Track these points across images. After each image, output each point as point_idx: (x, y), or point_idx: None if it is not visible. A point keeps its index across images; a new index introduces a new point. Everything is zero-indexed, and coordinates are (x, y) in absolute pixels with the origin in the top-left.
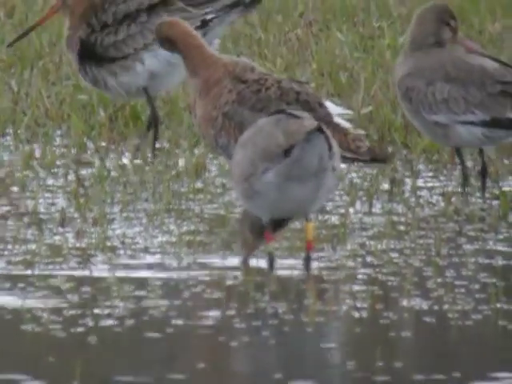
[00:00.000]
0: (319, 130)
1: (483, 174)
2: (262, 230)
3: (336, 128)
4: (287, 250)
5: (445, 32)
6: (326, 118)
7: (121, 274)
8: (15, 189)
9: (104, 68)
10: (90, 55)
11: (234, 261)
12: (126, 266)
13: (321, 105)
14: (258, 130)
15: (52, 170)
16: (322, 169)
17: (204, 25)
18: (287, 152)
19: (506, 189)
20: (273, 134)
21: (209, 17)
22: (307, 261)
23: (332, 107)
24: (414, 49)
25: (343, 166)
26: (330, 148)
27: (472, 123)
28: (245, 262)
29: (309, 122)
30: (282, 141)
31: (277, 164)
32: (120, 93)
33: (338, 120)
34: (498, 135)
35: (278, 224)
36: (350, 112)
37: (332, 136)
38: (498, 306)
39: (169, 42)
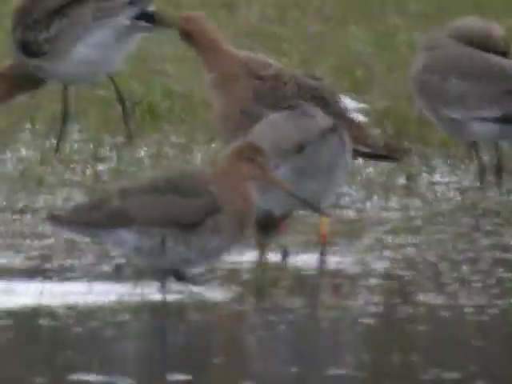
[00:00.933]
0: (333, 129)
1: (499, 168)
2: (267, 227)
3: (352, 123)
4: (303, 245)
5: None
6: (341, 113)
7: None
8: (32, 184)
9: (41, 60)
10: (31, 53)
11: (251, 255)
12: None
13: (337, 100)
14: (270, 124)
15: (70, 165)
16: (334, 165)
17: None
18: (299, 149)
19: None
20: (285, 130)
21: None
22: (322, 254)
23: (348, 101)
24: (429, 46)
25: (360, 160)
26: (344, 146)
27: (486, 119)
28: (260, 261)
29: (323, 120)
30: (294, 137)
31: (288, 160)
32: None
33: (353, 115)
34: (510, 131)
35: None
36: (366, 106)
37: (347, 132)
38: None
39: (187, 35)
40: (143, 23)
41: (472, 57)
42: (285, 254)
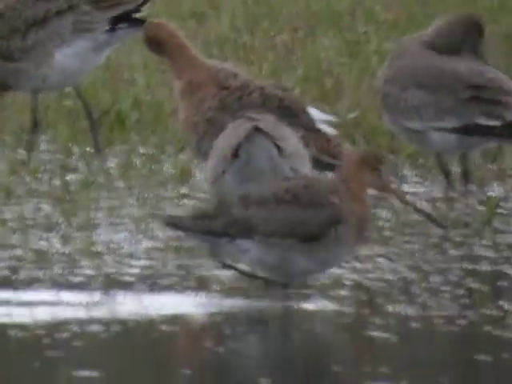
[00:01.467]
0: (258, 130)
1: (466, 178)
2: None
3: (318, 134)
4: None
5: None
6: (308, 125)
7: (106, 279)
8: (0, 195)
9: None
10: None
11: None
12: (112, 272)
13: (304, 111)
14: (222, 134)
15: (37, 176)
16: (276, 169)
17: (112, 29)
18: (235, 153)
19: (491, 194)
20: (227, 137)
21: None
22: None
23: (316, 113)
24: (395, 55)
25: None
26: (279, 148)
27: (444, 130)
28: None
29: (251, 123)
30: (231, 143)
31: (229, 166)
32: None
33: (320, 126)
34: (472, 142)
35: None
36: (333, 118)
37: (314, 141)
38: (484, 311)
39: (155, 43)
40: (126, 28)
41: (429, 66)
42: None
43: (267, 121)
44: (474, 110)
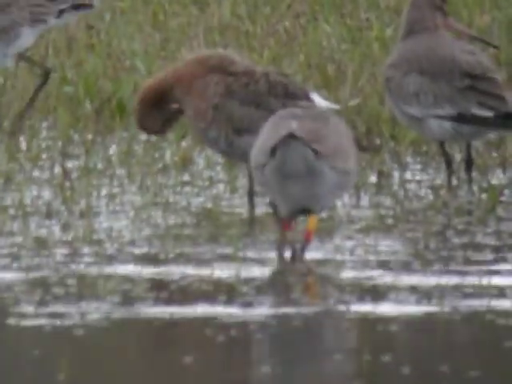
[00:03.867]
0: (292, 136)
1: (469, 166)
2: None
3: None
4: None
5: (437, 17)
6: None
7: (107, 267)
8: (0, 182)
9: None
10: None
11: (223, 252)
12: (113, 259)
13: (307, 97)
14: (269, 123)
15: (38, 163)
16: (311, 169)
17: (59, 15)
18: (272, 152)
19: (494, 182)
20: (269, 132)
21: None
22: (302, 251)
23: (319, 100)
24: (404, 36)
25: None
26: (315, 151)
27: (442, 117)
28: (278, 250)
29: (289, 124)
30: (270, 141)
31: (268, 162)
32: None
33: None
34: (467, 130)
35: (296, 214)
36: (336, 106)
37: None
38: (487, 300)
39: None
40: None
41: (431, 52)
42: (292, 250)
43: (309, 117)
44: (471, 99)
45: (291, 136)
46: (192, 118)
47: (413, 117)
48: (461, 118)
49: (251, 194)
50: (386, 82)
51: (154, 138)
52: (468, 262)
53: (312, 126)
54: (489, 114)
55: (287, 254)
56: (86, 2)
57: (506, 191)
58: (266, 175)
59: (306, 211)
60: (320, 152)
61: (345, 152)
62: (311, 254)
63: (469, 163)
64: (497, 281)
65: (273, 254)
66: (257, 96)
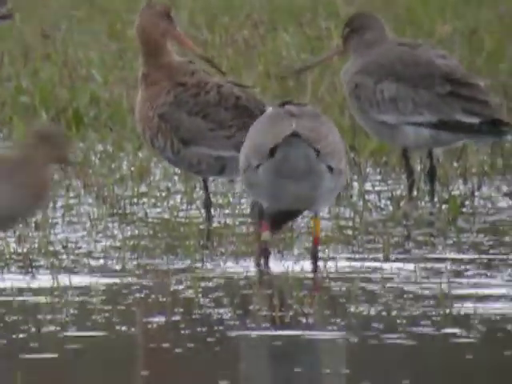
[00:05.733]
0: (295, 135)
1: (432, 177)
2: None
3: None
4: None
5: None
6: None
7: (63, 279)
8: None
9: None
10: None
11: (178, 265)
12: (69, 271)
13: (262, 110)
14: (259, 123)
15: None
16: (311, 169)
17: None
18: (272, 152)
19: (455, 193)
20: (265, 132)
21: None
22: (314, 257)
23: None
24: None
25: None
26: (316, 150)
27: (420, 124)
28: (257, 261)
29: (290, 122)
30: (268, 140)
31: (265, 162)
32: None
33: None
34: (446, 137)
35: (282, 218)
36: None
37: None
38: (447, 311)
39: (144, 33)
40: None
41: (407, 57)
42: (263, 252)
43: (305, 116)
44: (453, 105)
45: (295, 135)
46: (138, 117)
47: (384, 124)
48: (442, 125)
49: (208, 205)
50: (354, 88)
51: (110, 148)
52: (427, 272)
53: (311, 124)
54: (474, 120)
55: (262, 260)
56: (5, 14)
57: (467, 202)
58: (260, 175)
59: (295, 213)
60: (320, 152)
61: (338, 151)
62: (272, 266)
63: (432, 172)
64: (457, 292)
65: (229, 265)
66: (206, 107)
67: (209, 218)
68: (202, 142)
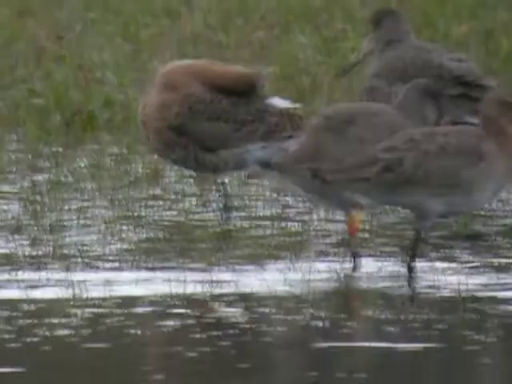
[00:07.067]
0: (291, 158)
1: None
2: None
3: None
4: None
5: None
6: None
7: (77, 281)
8: None
9: None
10: None
11: (193, 267)
12: (82, 274)
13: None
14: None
15: (6, 176)
16: (307, 186)
17: None
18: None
19: None
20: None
21: None
22: (354, 257)
23: (279, 102)
24: (383, 47)
25: None
26: (313, 170)
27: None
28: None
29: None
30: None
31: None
32: None
33: (276, 103)
34: None
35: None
36: (298, 105)
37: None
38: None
39: None
40: None
41: (419, 61)
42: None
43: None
44: (464, 107)
45: (289, 157)
46: (153, 130)
47: None
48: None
49: (228, 208)
50: (369, 91)
51: (124, 151)
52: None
53: (311, 145)
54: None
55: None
56: None
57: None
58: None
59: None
60: (317, 171)
61: (337, 161)
62: (285, 270)
63: None
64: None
65: (245, 268)
66: (221, 114)
67: (226, 219)
68: (229, 144)
